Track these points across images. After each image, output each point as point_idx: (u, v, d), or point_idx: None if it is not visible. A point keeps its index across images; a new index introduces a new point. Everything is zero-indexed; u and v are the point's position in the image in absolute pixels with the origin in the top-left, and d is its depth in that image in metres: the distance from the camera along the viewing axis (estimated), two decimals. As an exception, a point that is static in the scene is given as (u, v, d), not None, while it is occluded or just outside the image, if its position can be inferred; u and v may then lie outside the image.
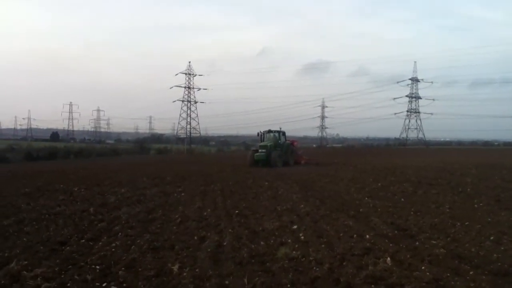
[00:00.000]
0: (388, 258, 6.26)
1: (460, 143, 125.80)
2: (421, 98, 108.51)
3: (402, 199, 12.18)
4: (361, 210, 10.71)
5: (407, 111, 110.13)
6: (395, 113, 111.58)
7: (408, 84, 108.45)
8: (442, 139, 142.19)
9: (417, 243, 7.34)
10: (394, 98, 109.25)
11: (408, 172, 20.83)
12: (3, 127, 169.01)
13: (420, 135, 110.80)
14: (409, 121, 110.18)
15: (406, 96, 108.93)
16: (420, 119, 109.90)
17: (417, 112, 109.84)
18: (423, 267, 5.85)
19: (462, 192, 13.23)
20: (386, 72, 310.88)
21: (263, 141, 30.97)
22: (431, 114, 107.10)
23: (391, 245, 7.15)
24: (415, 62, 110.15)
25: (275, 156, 28.53)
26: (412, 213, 10.11)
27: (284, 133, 31.52)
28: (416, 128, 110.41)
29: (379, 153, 58.54)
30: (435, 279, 5.34)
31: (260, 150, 29.65)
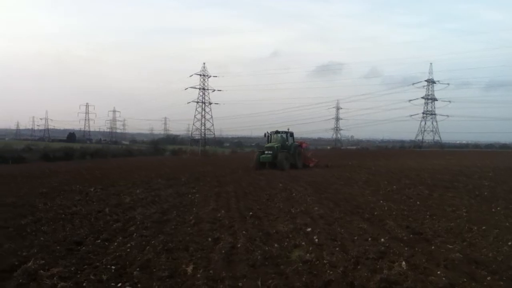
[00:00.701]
0: (403, 262, 6.20)
1: (476, 145, 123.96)
2: (437, 100, 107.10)
3: (418, 202, 12.05)
4: (375, 213, 10.63)
5: (423, 113, 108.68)
6: (411, 115, 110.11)
7: (424, 86, 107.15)
8: (458, 142, 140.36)
9: (432, 247, 7.26)
10: (410, 100, 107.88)
11: (423, 175, 20.61)
12: (21, 127, 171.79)
13: (436, 137, 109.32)
14: (425, 123, 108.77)
15: (422, 97, 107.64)
16: (436, 121, 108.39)
17: (433, 114, 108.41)
18: (438, 272, 5.78)
19: (479, 195, 13.04)
20: (398, 74, 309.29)
21: (270, 142, 30.01)
22: (447, 116, 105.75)
23: (406, 249, 7.07)
24: (431, 63, 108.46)
25: (281, 158, 27.39)
26: (427, 216, 9.99)
27: (292, 134, 30.46)
28: (432, 130, 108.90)
29: (394, 155, 58.02)
30: (450, 284, 5.27)
31: (266, 152, 28.61)
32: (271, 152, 27.93)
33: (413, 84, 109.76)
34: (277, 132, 30.35)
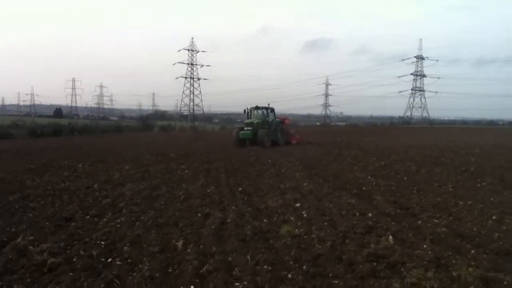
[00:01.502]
0: (390, 237, 6.29)
1: (464, 122, 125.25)
2: (426, 77, 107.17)
3: (405, 178, 12.20)
4: (364, 188, 10.75)
5: (412, 89, 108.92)
6: (400, 91, 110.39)
7: (413, 62, 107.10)
8: (446, 118, 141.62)
9: (419, 221, 7.38)
10: (399, 76, 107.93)
11: (411, 151, 20.79)
12: (7, 103, 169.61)
13: (425, 114, 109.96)
14: (414, 99, 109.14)
15: (411, 74, 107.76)
16: (424, 98, 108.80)
17: (421, 90, 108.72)
18: (424, 246, 5.88)
19: (466, 171, 13.22)
20: (388, 50, 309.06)
21: (250, 118, 28.98)
22: (436, 92, 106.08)
23: (393, 223, 7.18)
24: (420, 39, 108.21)
25: (262, 134, 26.55)
26: (414, 192, 10.14)
27: (272, 110, 29.49)
28: (421, 107, 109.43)
29: (382, 131, 58.42)
30: (436, 257, 5.37)
31: (246, 128, 27.69)
32: (251, 129, 27.17)
33: (402, 60, 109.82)
34: (257, 108, 29.35)
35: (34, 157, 20.62)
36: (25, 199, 9.87)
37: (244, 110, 29.91)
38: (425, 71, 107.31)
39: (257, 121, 27.65)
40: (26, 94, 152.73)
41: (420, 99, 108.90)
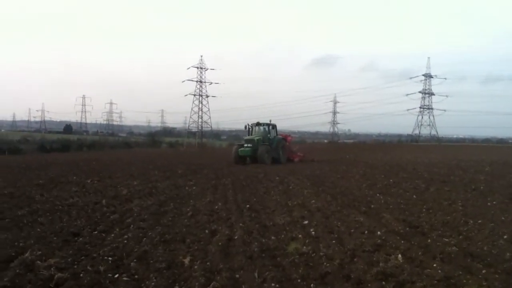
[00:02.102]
0: (399, 255, 6.22)
1: (473, 140, 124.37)
2: (434, 95, 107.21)
3: (414, 196, 12.09)
4: (372, 206, 10.67)
5: (420, 107, 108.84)
6: (408, 109, 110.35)
7: (421, 80, 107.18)
8: (455, 136, 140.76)
9: (428, 240, 7.29)
10: (407, 94, 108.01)
11: (420, 169, 20.68)
12: (18, 119, 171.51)
13: (433, 132, 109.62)
14: (422, 117, 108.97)
15: (419, 92, 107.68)
16: (433, 116, 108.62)
17: (430, 108, 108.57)
18: (434, 265, 5.80)
19: (475, 189, 13.09)
20: (396, 67, 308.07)
21: (251, 135, 28.01)
22: (444, 110, 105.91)
23: (402, 242, 7.10)
24: (428, 58, 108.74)
25: (262, 151, 25.68)
26: (424, 210, 10.04)
27: (274, 126, 28.45)
28: (429, 125, 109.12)
29: (391, 149, 58.15)
30: (446, 277, 5.29)
31: (245, 145, 26.81)
32: (251, 145, 26.32)
33: (411, 78, 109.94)
34: (258, 124, 28.57)
35: (43, 172, 20.75)
36: (33, 214, 9.90)
37: (245, 126, 29.13)
38: (434, 89, 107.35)
39: (257, 137, 26.88)
40: (37, 110, 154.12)
41: (429, 117, 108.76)
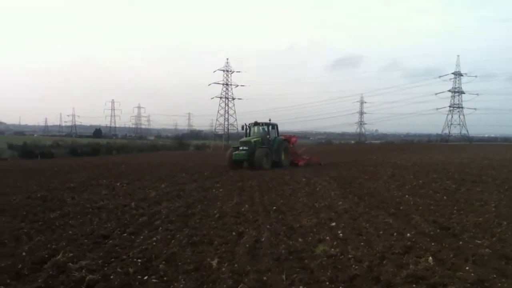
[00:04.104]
0: (430, 257, 6.09)
1: (506, 139, 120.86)
2: (464, 93, 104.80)
3: (445, 197, 11.83)
4: (401, 207, 10.48)
5: (450, 106, 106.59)
6: (437, 109, 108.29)
7: (451, 79, 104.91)
8: (486, 135, 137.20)
9: (460, 242, 7.10)
10: (436, 93, 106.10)
11: (450, 169, 20.23)
12: (50, 123, 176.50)
13: (464, 131, 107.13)
14: (452, 116, 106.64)
15: (449, 90, 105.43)
16: (463, 115, 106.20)
17: (460, 107, 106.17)
18: (467, 267, 5.65)
19: (508, 190, 12.71)
20: (421, 66, 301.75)
21: (248, 136, 25.29)
22: (475, 109, 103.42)
23: (433, 244, 6.95)
24: (458, 55, 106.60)
25: (260, 155, 23.03)
26: (455, 211, 9.80)
27: (275, 126, 25.63)
28: (459, 124, 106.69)
29: (420, 149, 57.08)
30: (480, 280, 5.15)
31: (241, 148, 24.01)
32: (247, 148, 23.58)
33: (440, 77, 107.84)
34: (256, 124, 25.76)
35: (74, 176, 21.26)
36: (65, 216, 10.15)
37: (242, 127, 26.47)
38: (463, 87, 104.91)
39: (255, 139, 24.13)
40: (68, 115, 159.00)
41: (459, 116, 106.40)
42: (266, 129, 25.27)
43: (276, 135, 25.50)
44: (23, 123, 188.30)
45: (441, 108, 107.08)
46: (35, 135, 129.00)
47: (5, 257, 6.66)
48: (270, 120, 25.75)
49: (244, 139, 24.87)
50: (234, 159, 23.94)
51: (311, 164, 26.38)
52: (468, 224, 8.43)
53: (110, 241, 7.66)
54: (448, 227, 8.18)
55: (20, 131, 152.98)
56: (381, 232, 7.87)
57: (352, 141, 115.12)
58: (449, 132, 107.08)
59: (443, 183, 14.82)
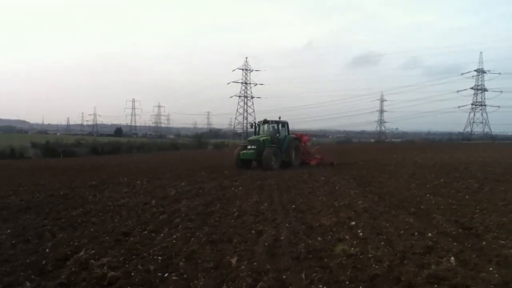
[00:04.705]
0: (452, 258, 6.00)
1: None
2: (487, 90, 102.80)
3: (467, 196, 11.61)
4: (422, 207, 10.33)
5: (472, 104, 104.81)
6: (459, 106, 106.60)
7: (473, 76, 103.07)
8: (510, 133, 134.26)
9: (483, 242, 6.96)
10: (458, 91, 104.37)
11: (473, 168, 19.84)
12: (72, 123, 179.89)
13: (486, 129, 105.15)
14: (474, 114, 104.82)
15: (471, 88, 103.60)
16: (486, 112, 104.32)
17: (483, 105, 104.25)
18: (490, 268, 5.54)
19: (534, 189, 12.40)
20: (439, 64, 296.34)
21: (257, 134, 24.48)
22: (498, 107, 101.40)
23: (455, 244, 6.83)
24: (481, 52, 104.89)
25: (268, 154, 22.14)
26: (477, 211, 9.61)
27: (285, 124, 24.72)
28: (482, 122, 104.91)
29: (441, 147, 56.21)
30: (504, 281, 5.05)
31: (249, 147, 23.29)
32: (255, 147, 22.80)
33: (462, 74, 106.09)
34: (265, 121, 25.00)
35: (95, 174, 21.59)
36: (86, 214, 10.32)
37: (251, 125, 25.95)
38: (486, 85, 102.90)
39: (264, 138, 23.38)
40: (89, 114, 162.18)
41: (481, 114, 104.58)
42: (275, 127, 24.49)
43: (286, 134, 24.69)
44: (46, 122, 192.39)
45: (463, 106, 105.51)
46: (58, 134, 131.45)
47: (29, 254, 6.82)
48: (280, 117, 25.01)
49: (252, 137, 24.28)
50: (242, 158, 23.29)
51: (323, 163, 25.21)
52: (492, 224, 8.26)
53: (131, 239, 7.75)
54: (471, 227, 8.02)
55: (43, 130, 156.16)
56: (401, 232, 7.78)
57: (372, 140, 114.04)
58: (471, 130, 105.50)
59: (465, 182, 14.55)
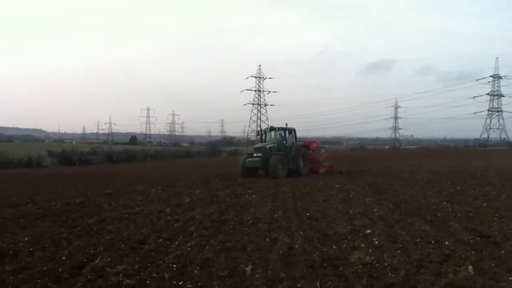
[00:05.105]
0: (470, 266, 5.90)
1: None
2: (503, 96, 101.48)
3: (484, 204, 11.42)
4: (438, 214, 10.20)
5: (489, 110, 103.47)
6: (475, 113, 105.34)
7: (489, 82, 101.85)
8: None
9: (502, 251, 6.84)
10: (474, 97, 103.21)
11: (489, 175, 19.54)
12: (87, 131, 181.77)
13: (503, 136, 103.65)
14: (491, 120, 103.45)
15: (487, 94, 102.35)
16: (503, 118, 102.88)
17: (499, 111, 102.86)
18: (510, 278, 5.45)
19: (553, 197, 12.16)
20: (455, 69, 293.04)
21: (264, 141, 24.04)
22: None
23: (472, 252, 6.73)
24: (496, 58, 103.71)
25: (275, 162, 21.63)
26: (495, 218, 9.44)
27: (292, 131, 24.19)
28: (499, 128, 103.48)
29: (457, 154, 55.51)
30: (523, 290, 4.96)
31: (255, 154, 22.82)
32: (261, 155, 22.36)
33: (477, 80, 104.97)
34: (272, 129, 24.62)
35: (111, 182, 21.79)
36: (102, 222, 10.41)
37: (257, 132, 25.48)
38: (503, 91, 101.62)
39: (270, 145, 22.96)
40: (105, 123, 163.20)
41: (498, 120, 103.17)
42: (282, 134, 24.00)
43: (294, 141, 24.20)
44: (62, 131, 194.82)
45: (479, 112, 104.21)
46: (74, 142, 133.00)
47: (46, 261, 6.90)
48: (286, 124, 24.50)
49: (258, 145, 23.80)
50: (247, 166, 22.79)
51: (332, 171, 24.64)
52: (510, 232, 8.10)
53: (146, 247, 7.79)
54: (489, 235, 7.89)
55: (59, 139, 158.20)
56: (418, 240, 7.69)
57: (387, 147, 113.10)
58: (488, 137, 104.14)
59: (482, 189, 14.33)
